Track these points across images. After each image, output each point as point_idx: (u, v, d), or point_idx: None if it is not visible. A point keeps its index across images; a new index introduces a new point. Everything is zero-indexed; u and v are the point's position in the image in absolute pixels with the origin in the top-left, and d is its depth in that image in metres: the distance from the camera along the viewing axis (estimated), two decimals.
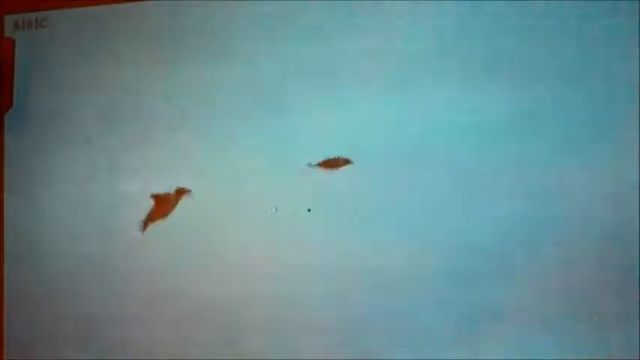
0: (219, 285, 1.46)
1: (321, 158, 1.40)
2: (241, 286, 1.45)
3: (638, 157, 1.27)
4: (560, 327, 1.29)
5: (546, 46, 1.33)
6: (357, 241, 1.39)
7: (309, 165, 1.40)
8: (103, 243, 1.53)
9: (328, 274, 1.40)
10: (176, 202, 1.48)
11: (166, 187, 1.50)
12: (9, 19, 1.60)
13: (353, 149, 1.40)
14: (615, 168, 1.28)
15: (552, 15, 1.32)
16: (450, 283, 1.34)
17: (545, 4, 1.33)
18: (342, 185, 1.40)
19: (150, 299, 1.50)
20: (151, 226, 1.50)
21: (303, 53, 1.44)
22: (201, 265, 1.47)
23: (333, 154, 1.41)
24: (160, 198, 1.50)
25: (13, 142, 1.60)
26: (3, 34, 1.60)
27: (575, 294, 1.28)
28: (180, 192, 1.49)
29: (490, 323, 1.31)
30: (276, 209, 1.43)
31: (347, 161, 1.38)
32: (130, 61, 1.53)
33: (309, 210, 1.42)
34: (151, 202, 1.50)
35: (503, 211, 1.32)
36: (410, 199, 1.37)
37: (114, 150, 1.53)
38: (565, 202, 1.30)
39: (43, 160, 1.57)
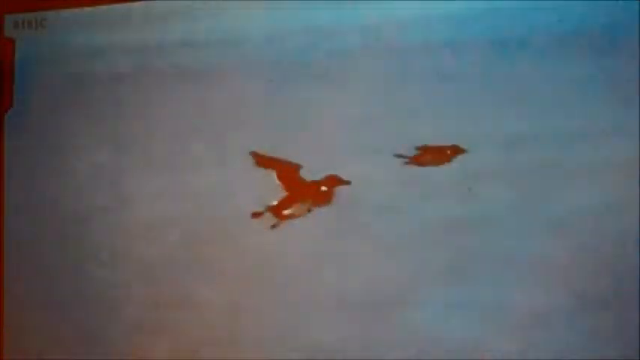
0: (219, 284, 1.46)
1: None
2: (241, 285, 1.46)
3: (638, 158, 1.28)
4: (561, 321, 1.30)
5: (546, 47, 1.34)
6: (356, 241, 1.40)
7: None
8: (103, 242, 1.53)
9: (327, 273, 1.41)
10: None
11: (165, 186, 1.50)
12: (9, 19, 1.60)
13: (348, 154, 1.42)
14: (616, 167, 1.29)
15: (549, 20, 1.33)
16: (452, 280, 1.34)
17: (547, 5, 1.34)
18: (341, 186, 1.41)
19: (150, 298, 1.50)
20: (150, 225, 1.50)
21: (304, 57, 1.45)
22: (200, 266, 1.48)
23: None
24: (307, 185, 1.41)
25: (13, 142, 1.60)
26: (3, 34, 1.60)
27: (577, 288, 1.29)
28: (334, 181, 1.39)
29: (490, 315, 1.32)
30: None
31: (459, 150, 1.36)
32: (130, 61, 1.54)
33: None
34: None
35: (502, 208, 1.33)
36: (410, 198, 1.37)
37: (113, 149, 1.54)
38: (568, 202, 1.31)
39: (43, 160, 1.59)
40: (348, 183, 1.39)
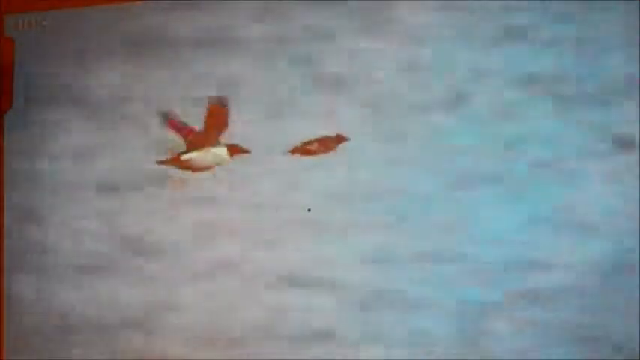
0: (219, 283, 1.46)
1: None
2: (241, 285, 1.46)
3: (637, 154, 1.28)
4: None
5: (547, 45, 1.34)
6: (356, 240, 1.39)
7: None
8: (103, 242, 1.53)
9: (327, 272, 1.41)
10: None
11: (161, 186, 1.50)
12: (9, 19, 1.60)
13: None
14: (617, 163, 1.29)
15: (552, 15, 1.33)
16: (453, 276, 1.34)
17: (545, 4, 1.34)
18: (341, 186, 1.41)
19: (150, 297, 1.50)
20: (149, 226, 1.50)
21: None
22: (201, 264, 1.48)
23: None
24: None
25: (13, 142, 1.60)
26: (3, 34, 1.60)
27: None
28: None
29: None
30: (277, 209, 1.44)
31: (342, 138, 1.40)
32: (129, 61, 1.54)
33: (309, 210, 1.42)
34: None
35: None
36: (409, 197, 1.37)
37: (112, 150, 1.54)
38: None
39: (43, 160, 1.59)
40: (247, 152, 1.45)
